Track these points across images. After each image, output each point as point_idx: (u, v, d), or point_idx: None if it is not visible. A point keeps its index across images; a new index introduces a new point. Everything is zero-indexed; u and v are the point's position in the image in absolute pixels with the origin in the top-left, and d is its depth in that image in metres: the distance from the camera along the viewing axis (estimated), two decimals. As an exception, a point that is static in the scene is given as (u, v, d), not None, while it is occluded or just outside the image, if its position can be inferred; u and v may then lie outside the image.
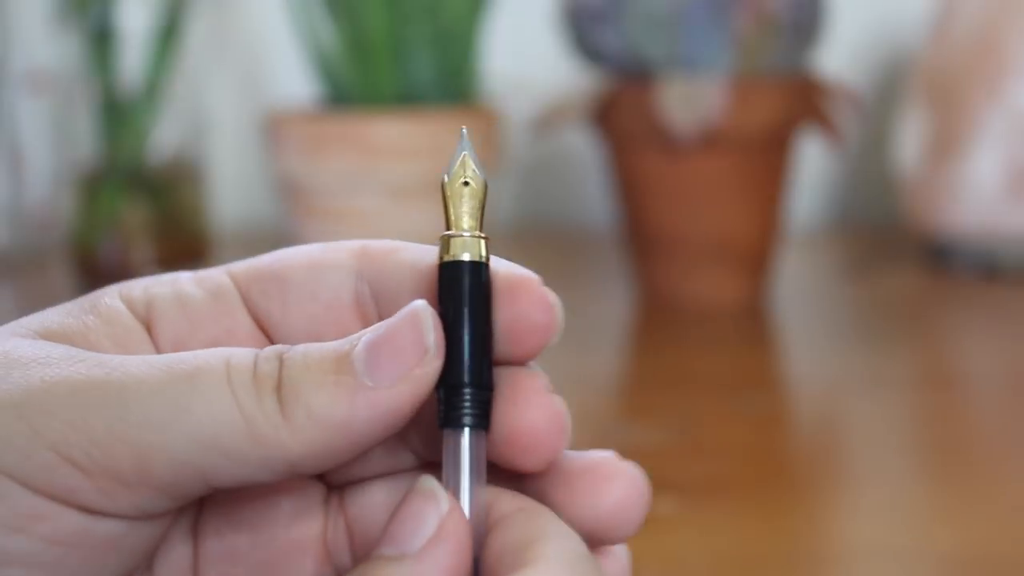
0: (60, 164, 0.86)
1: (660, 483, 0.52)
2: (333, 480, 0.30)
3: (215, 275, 0.29)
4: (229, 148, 1.09)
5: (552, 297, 0.28)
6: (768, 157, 0.76)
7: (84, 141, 0.84)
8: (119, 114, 0.83)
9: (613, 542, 0.28)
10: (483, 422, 0.27)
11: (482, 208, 0.28)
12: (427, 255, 0.29)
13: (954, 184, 0.86)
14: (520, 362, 0.28)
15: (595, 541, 0.27)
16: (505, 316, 0.27)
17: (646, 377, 0.66)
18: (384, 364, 0.25)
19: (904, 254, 0.94)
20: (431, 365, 0.26)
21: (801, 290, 0.83)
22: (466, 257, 0.27)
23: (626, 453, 0.57)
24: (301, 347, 0.26)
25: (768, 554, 0.45)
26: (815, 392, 0.63)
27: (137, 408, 0.25)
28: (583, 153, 1.09)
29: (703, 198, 0.76)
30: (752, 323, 0.75)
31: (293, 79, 1.06)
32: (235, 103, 1.09)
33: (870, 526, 0.47)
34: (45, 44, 0.96)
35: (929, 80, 0.88)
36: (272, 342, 0.29)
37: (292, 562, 0.29)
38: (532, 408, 0.27)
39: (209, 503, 0.29)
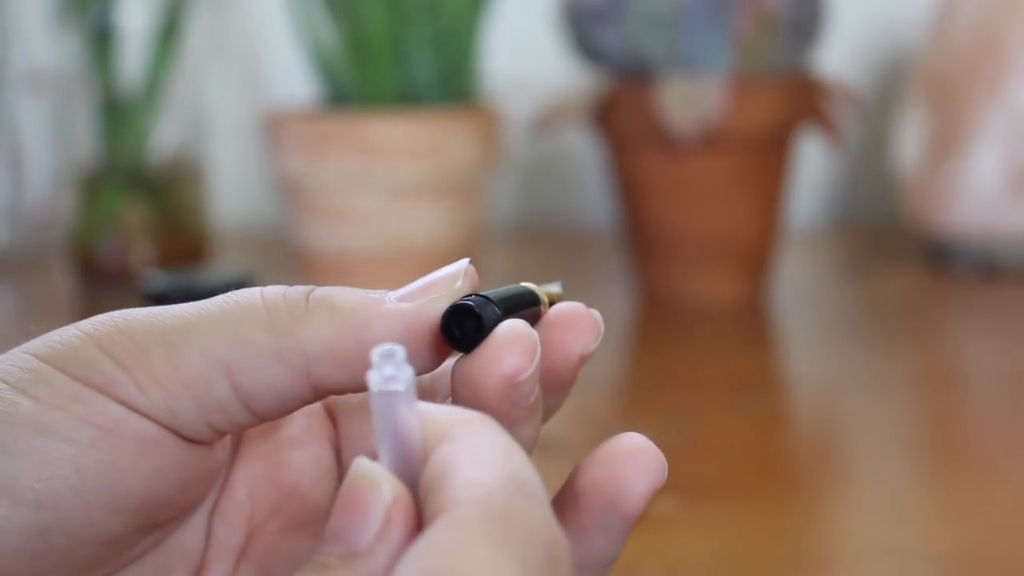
0: (60, 164, 0.86)
1: (660, 483, 0.52)
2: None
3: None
4: (229, 148, 1.09)
5: (596, 317, 0.29)
6: (768, 157, 0.76)
7: (84, 141, 0.84)
8: (119, 114, 0.83)
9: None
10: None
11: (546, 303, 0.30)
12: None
13: (954, 184, 0.86)
14: (559, 380, 0.29)
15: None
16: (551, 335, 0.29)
17: (646, 377, 0.66)
18: (413, 295, 0.28)
19: (904, 254, 0.94)
20: (449, 296, 0.28)
21: (801, 290, 0.83)
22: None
23: (626, 453, 0.56)
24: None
25: (768, 554, 0.45)
26: (815, 392, 0.63)
27: (174, 317, 0.27)
28: (583, 153, 1.09)
29: (703, 198, 0.76)
30: (752, 323, 0.75)
31: (293, 79, 1.06)
32: (235, 103, 1.09)
33: (870, 526, 0.47)
34: (45, 44, 0.96)
35: (929, 80, 0.88)
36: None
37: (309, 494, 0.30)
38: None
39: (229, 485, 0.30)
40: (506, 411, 0.28)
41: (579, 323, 0.29)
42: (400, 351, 0.25)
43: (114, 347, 0.27)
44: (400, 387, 0.25)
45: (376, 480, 0.25)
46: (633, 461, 0.28)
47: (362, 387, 0.28)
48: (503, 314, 0.27)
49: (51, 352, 0.27)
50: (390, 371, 0.25)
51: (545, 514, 0.24)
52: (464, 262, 0.28)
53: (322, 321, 0.27)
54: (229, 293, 0.28)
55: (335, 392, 0.28)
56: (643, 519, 0.48)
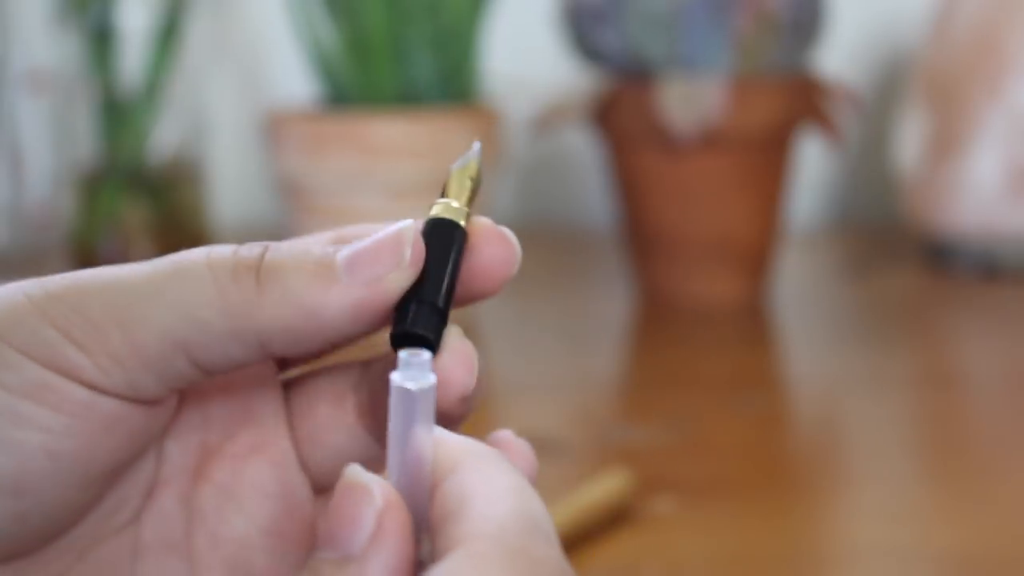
0: (60, 164, 0.86)
1: (660, 483, 0.52)
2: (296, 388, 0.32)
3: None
4: (229, 148, 1.09)
5: (510, 236, 0.30)
6: (768, 157, 0.76)
7: (84, 141, 0.84)
8: (119, 114, 0.83)
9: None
10: (434, 342, 0.28)
11: (472, 199, 0.30)
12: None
13: (954, 184, 0.86)
14: (488, 295, 0.30)
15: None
16: (476, 259, 0.29)
17: (646, 377, 0.66)
18: (361, 267, 0.28)
19: (904, 254, 0.94)
20: (404, 273, 0.28)
21: (801, 290, 0.83)
22: (448, 216, 0.29)
23: (626, 453, 0.57)
24: (286, 242, 0.28)
25: (768, 554, 0.45)
26: (815, 392, 0.63)
27: (127, 292, 0.27)
28: (583, 153, 1.09)
29: (703, 198, 0.76)
30: (752, 323, 0.75)
31: (293, 79, 1.06)
32: (235, 103, 1.09)
33: (870, 526, 0.47)
34: (45, 44, 0.96)
35: (929, 80, 0.88)
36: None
37: (263, 460, 0.31)
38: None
39: (180, 417, 0.31)
40: (456, 417, 0.29)
41: (500, 250, 0.30)
42: (427, 356, 0.26)
43: (72, 328, 0.27)
44: (420, 387, 0.26)
45: (367, 486, 0.25)
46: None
47: (313, 355, 0.30)
48: (446, 306, 0.29)
49: (7, 329, 0.27)
50: (414, 373, 0.26)
51: (556, 553, 0.25)
52: (408, 228, 0.28)
53: (274, 304, 0.27)
54: (176, 259, 0.28)
55: (291, 359, 0.30)
56: (643, 519, 0.48)
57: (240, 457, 0.30)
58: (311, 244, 0.29)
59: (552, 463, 0.53)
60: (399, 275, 0.28)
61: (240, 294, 0.27)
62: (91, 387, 0.27)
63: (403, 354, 0.26)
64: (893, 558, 0.45)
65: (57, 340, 0.27)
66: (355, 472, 0.26)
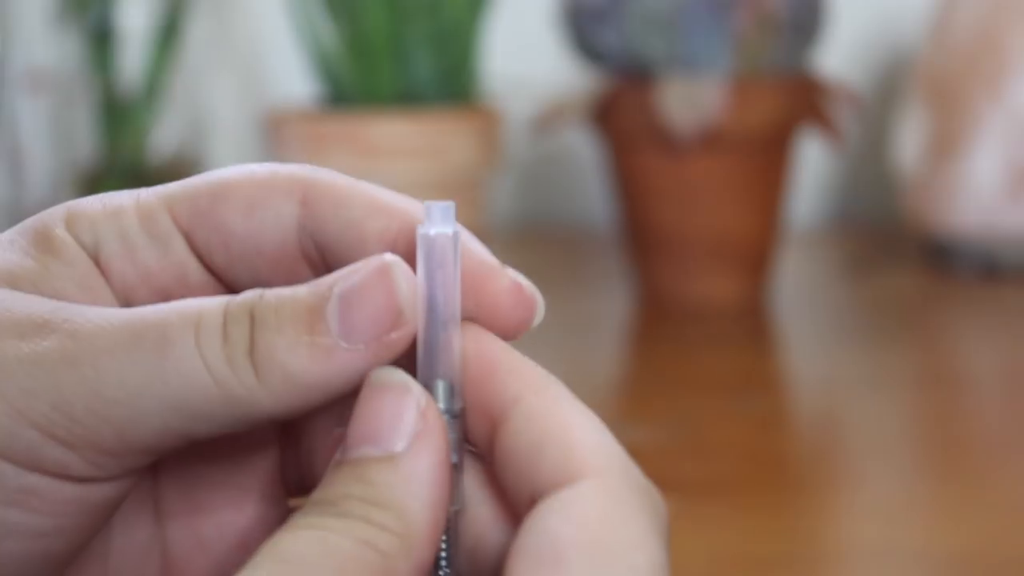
0: (60, 164, 0.86)
1: (660, 483, 0.52)
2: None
3: (158, 214, 0.28)
4: (229, 148, 1.09)
5: (527, 290, 0.27)
6: (768, 157, 0.76)
7: (84, 141, 0.84)
8: (119, 113, 0.83)
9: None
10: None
11: None
12: (374, 215, 0.27)
13: (954, 184, 0.86)
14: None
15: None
16: (477, 311, 0.27)
17: (646, 377, 0.66)
18: (358, 325, 0.25)
19: (904, 254, 0.94)
20: (405, 328, 0.25)
21: (801, 290, 0.83)
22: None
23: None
24: (272, 299, 0.25)
25: (768, 554, 0.45)
26: (815, 392, 0.63)
27: (111, 385, 0.25)
28: (583, 153, 1.09)
29: (703, 198, 0.76)
30: (752, 323, 0.75)
31: (293, 79, 1.06)
32: (235, 103, 1.10)
33: (870, 526, 0.47)
34: (45, 44, 0.96)
35: (929, 80, 0.88)
36: (223, 287, 0.28)
37: (248, 487, 0.29)
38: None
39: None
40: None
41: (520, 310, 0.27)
42: (451, 205, 0.25)
43: (56, 429, 0.25)
44: (442, 233, 0.25)
45: (406, 384, 0.25)
46: None
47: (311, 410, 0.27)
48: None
49: None
50: (437, 223, 0.25)
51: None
52: (394, 265, 0.25)
53: (275, 393, 0.25)
54: (159, 333, 0.25)
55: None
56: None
57: (225, 490, 0.29)
58: (299, 293, 0.26)
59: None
60: (401, 333, 0.25)
61: (240, 385, 0.25)
62: (81, 481, 0.25)
63: (427, 204, 0.25)
64: (893, 558, 0.45)
65: (39, 441, 0.25)
66: (389, 372, 0.25)
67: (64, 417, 0.24)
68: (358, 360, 0.25)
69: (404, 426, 0.24)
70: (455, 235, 0.26)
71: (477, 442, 0.26)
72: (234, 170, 0.28)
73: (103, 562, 0.28)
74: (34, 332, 0.25)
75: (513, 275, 0.27)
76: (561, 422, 0.25)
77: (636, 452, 0.55)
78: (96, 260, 0.28)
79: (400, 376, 0.25)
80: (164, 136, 0.84)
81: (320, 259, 0.28)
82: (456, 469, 0.26)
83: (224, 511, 0.29)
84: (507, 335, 0.27)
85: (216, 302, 0.25)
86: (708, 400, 0.62)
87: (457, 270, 0.26)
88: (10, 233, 0.28)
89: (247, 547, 0.29)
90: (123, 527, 0.29)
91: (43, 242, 0.27)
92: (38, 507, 0.25)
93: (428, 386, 0.26)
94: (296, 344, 0.25)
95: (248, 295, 0.26)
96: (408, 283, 0.25)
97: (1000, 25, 0.85)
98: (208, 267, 0.28)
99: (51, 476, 0.25)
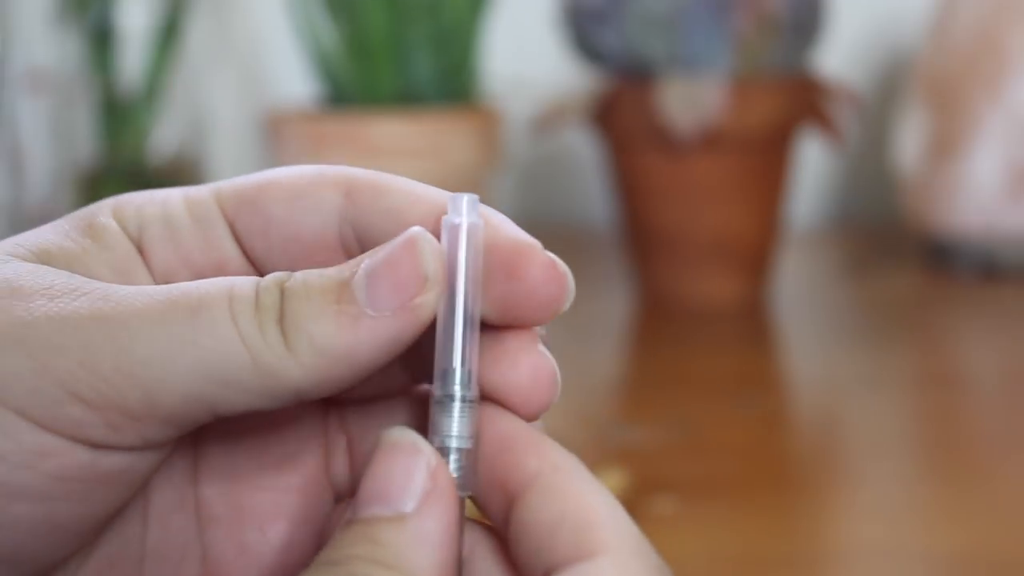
0: (60, 164, 0.86)
1: (660, 483, 0.52)
2: (332, 400, 0.29)
3: (205, 200, 0.28)
4: (229, 148, 1.09)
5: (560, 267, 0.27)
6: (768, 157, 0.76)
7: (84, 141, 0.84)
8: (119, 113, 0.83)
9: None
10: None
11: None
12: (414, 203, 0.28)
13: (954, 184, 0.86)
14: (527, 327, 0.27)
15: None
16: (510, 289, 0.26)
17: (646, 377, 0.66)
18: (384, 292, 0.25)
19: (904, 254, 0.94)
20: (431, 292, 0.25)
21: (801, 290, 0.83)
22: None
23: (626, 453, 0.57)
24: (301, 275, 0.26)
25: (768, 554, 0.45)
26: (815, 392, 0.63)
27: (143, 343, 0.24)
28: (583, 153, 1.09)
29: (703, 198, 0.76)
30: (752, 323, 0.75)
31: (293, 79, 1.06)
32: (235, 103, 1.09)
33: (870, 526, 0.47)
34: (45, 44, 0.96)
35: (929, 80, 0.88)
36: (259, 274, 0.28)
37: (291, 480, 0.29)
38: (519, 366, 0.26)
39: (209, 425, 0.28)
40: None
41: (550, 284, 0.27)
42: (475, 198, 0.26)
43: (80, 387, 0.24)
44: (473, 221, 0.26)
45: (416, 444, 0.25)
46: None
47: (343, 388, 0.27)
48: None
49: (3, 388, 0.24)
50: (464, 212, 0.26)
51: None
52: (419, 236, 0.26)
53: (304, 362, 0.25)
54: (193, 300, 0.25)
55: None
56: (643, 519, 0.48)
57: (267, 480, 0.29)
58: (328, 270, 0.26)
59: (552, 463, 0.53)
60: (426, 297, 0.25)
61: (270, 351, 0.25)
62: (96, 446, 0.25)
63: (452, 196, 0.26)
64: (893, 558, 0.45)
65: (61, 398, 0.24)
66: (400, 432, 0.25)
67: (91, 374, 0.24)
68: (385, 328, 0.25)
69: (414, 486, 0.25)
70: (477, 225, 0.26)
71: (493, 516, 0.26)
72: (283, 168, 0.29)
73: (139, 562, 0.28)
74: (64, 294, 0.25)
75: (547, 253, 0.27)
76: (578, 499, 0.25)
77: (636, 452, 0.55)
78: (139, 245, 0.28)
79: (411, 436, 0.25)
80: (164, 136, 0.84)
81: (359, 251, 0.28)
82: (470, 454, 0.26)
83: (268, 513, 0.29)
84: (540, 312, 0.26)
85: (249, 278, 0.26)
86: (708, 400, 0.62)
87: (479, 259, 0.26)
88: (60, 220, 0.28)
89: (290, 550, 0.29)
90: (161, 528, 0.28)
91: (85, 227, 0.28)
92: (49, 470, 0.25)
93: (446, 372, 0.26)
94: (323, 313, 0.25)
95: (278, 273, 0.26)
96: (433, 250, 0.25)
97: (1000, 25, 0.85)
98: (248, 255, 0.28)
99: (67, 438, 0.25)
